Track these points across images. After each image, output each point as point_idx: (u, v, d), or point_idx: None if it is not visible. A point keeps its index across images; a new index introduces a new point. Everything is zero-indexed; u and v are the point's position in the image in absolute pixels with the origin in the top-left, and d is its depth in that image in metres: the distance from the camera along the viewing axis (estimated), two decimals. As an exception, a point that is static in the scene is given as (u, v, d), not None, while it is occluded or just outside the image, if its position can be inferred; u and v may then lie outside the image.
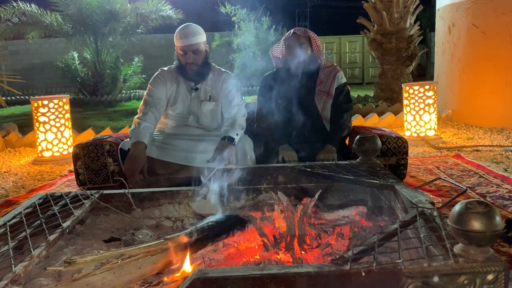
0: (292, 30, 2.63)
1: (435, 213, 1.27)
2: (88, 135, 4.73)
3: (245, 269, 1.07)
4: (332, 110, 2.68)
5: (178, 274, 1.33)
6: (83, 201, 1.74)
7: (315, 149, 2.55)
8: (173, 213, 1.93)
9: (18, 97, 10.78)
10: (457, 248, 1.02)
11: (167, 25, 10.60)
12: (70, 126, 4.31)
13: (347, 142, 2.90)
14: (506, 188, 2.63)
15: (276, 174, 2.03)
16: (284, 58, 2.72)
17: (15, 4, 9.52)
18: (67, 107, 4.23)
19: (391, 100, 6.77)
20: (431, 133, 4.49)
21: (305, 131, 2.66)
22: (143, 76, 11.04)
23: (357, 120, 5.29)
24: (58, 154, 4.17)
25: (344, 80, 2.74)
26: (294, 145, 2.59)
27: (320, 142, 2.59)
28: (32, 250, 1.28)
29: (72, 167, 3.10)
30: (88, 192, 1.86)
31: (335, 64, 2.83)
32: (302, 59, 2.59)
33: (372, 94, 7.58)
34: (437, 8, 6.03)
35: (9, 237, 1.38)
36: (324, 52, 2.91)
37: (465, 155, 3.69)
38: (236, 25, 12.77)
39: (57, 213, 1.58)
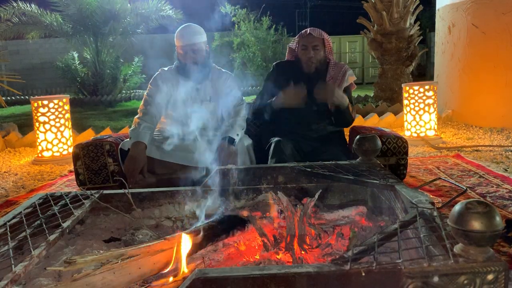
0: (308, 30, 2.67)
1: (435, 213, 1.27)
2: (88, 135, 4.73)
3: (245, 269, 1.07)
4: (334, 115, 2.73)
5: (178, 275, 1.33)
6: (83, 201, 1.74)
7: (320, 142, 2.59)
8: (173, 213, 1.93)
9: (18, 97, 10.78)
10: (457, 248, 1.02)
11: (167, 25, 10.58)
12: (70, 126, 4.31)
13: (347, 141, 2.91)
14: (506, 188, 2.63)
15: (276, 174, 2.03)
16: (296, 55, 2.76)
17: (15, 4, 9.52)
18: (67, 107, 4.23)
19: (391, 100, 6.77)
20: (431, 133, 4.49)
21: (313, 123, 2.70)
22: (143, 76, 11.04)
23: (357, 120, 5.29)
24: (58, 154, 4.17)
25: (353, 78, 2.78)
26: (300, 135, 2.65)
27: (329, 135, 2.66)
28: (32, 250, 1.28)
29: (72, 167, 3.10)
30: (88, 192, 1.85)
31: (343, 63, 2.87)
32: (314, 60, 2.66)
33: (372, 94, 7.58)
34: (437, 8, 6.03)
35: (9, 237, 1.38)
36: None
37: (465, 155, 3.69)
38: (236, 25, 12.77)
39: (57, 213, 1.58)
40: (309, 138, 2.67)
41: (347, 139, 2.94)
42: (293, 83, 2.57)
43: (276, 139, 2.52)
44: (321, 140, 2.68)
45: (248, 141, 2.70)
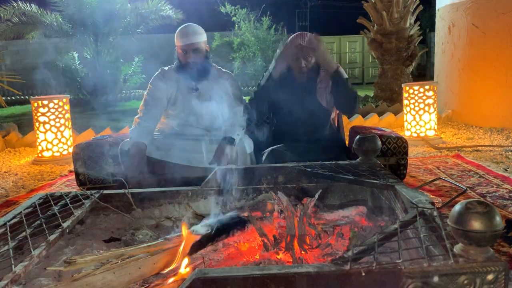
0: (298, 41, 2.56)
1: (435, 213, 1.27)
2: (88, 135, 4.73)
3: (245, 269, 1.07)
4: (335, 95, 2.64)
5: (177, 274, 1.33)
6: (83, 201, 1.74)
7: (321, 147, 2.56)
8: (173, 213, 1.93)
9: (18, 97, 10.79)
10: (457, 248, 1.02)
11: (167, 25, 10.60)
12: (70, 126, 4.31)
13: (347, 142, 2.91)
14: (506, 188, 2.63)
15: (276, 174, 2.03)
16: (288, 65, 2.67)
17: (15, 4, 9.54)
18: (67, 107, 4.23)
19: (391, 100, 6.77)
20: (431, 133, 4.49)
21: (311, 130, 2.67)
22: (143, 76, 11.03)
23: (357, 120, 5.29)
24: (58, 154, 4.17)
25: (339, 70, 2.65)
26: (301, 144, 2.59)
27: (327, 140, 2.62)
28: (32, 250, 1.28)
29: (72, 167, 3.10)
30: (88, 192, 1.86)
31: (336, 61, 2.79)
32: (305, 70, 2.59)
33: (372, 94, 7.58)
34: (437, 8, 6.03)
35: (9, 237, 1.38)
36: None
37: (465, 155, 3.68)
38: (236, 25, 12.78)
39: (57, 213, 1.58)
40: (313, 140, 2.65)
41: (347, 140, 2.94)
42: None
43: (268, 149, 2.50)
44: (319, 143, 2.66)
45: (248, 141, 2.69)
